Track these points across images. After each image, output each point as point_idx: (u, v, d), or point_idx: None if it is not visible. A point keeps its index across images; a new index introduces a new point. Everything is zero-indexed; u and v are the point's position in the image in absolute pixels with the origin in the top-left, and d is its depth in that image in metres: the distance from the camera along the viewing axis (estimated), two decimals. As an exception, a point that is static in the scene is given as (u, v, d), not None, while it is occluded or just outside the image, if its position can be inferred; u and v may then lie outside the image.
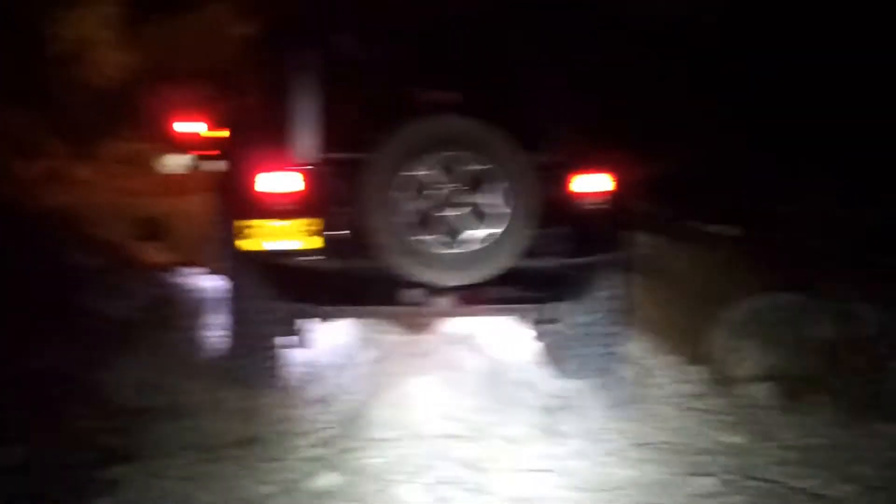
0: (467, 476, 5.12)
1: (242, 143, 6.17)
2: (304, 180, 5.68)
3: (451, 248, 5.47)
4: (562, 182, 5.91)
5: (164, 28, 24.49)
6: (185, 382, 5.97)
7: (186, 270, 9.10)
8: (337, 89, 5.81)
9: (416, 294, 5.78)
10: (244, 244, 5.70)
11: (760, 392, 6.25)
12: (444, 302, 5.84)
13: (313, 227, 5.68)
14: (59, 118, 19.89)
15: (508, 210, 5.47)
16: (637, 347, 7.24)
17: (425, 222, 5.43)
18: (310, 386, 6.37)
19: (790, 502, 4.92)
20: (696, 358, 6.90)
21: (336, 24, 6.08)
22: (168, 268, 9.26)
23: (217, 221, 6.66)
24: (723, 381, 6.54)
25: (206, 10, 24.02)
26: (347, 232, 5.67)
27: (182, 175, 18.32)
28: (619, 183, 6.03)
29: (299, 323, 6.37)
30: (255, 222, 5.65)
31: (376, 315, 6.81)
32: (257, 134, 6.01)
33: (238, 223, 5.71)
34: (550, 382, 6.25)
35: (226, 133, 8.41)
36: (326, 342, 6.88)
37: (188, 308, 7.44)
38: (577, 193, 5.95)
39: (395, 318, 7.02)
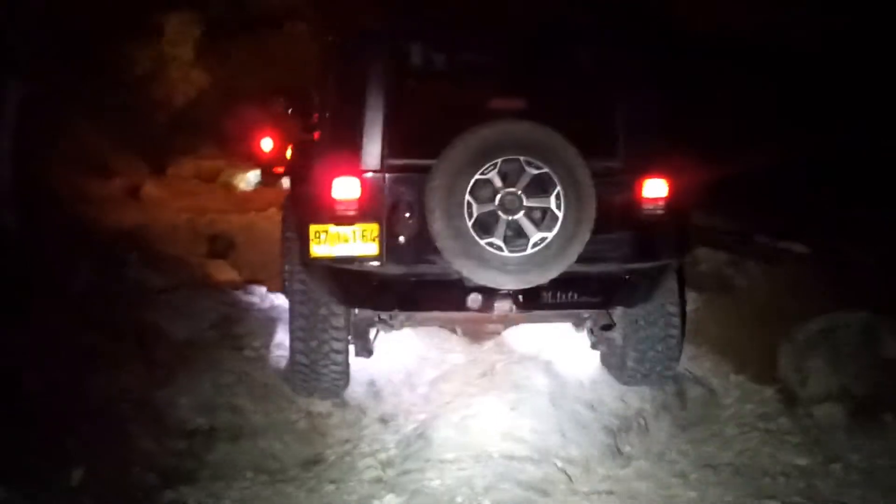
0: (529, 498, 5.11)
1: (318, 152, 6.32)
2: (373, 187, 5.79)
3: (509, 250, 5.59)
4: (620, 188, 5.97)
5: (242, 47, 24.87)
6: (246, 403, 6.01)
7: (254, 289, 9.15)
8: (405, 98, 5.94)
9: (477, 298, 5.86)
10: (317, 249, 5.80)
11: (827, 412, 6.14)
12: (504, 306, 5.88)
13: (384, 232, 5.78)
14: (136, 137, 20.26)
15: (561, 214, 5.58)
16: (702, 366, 7.17)
17: (485, 225, 5.57)
18: (371, 406, 6.39)
19: (855, 526, 4.85)
20: (761, 377, 6.80)
21: (405, 35, 6.15)
22: (236, 286, 9.32)
23: (290, 229, 6.96)
24: (788, 402, 6.44)
25: (283, 28, 24.35)
26: (417, 237, 5.77)
27: (253, 192, 18.57)
28: (676, 189, 6.08)
29: (365, 331, 6.52)
30: (329, 227, 5.77)
31: (441, 320, 6.89)
32: (332, 143, 6.10)
33: (313, 228, 5.81)
34: (613, 402, 6.20)
35: (297, 149, 8.56)
36: (388, 361, 6.88)
37: (254, 327, 7.47)
38: (635, 199, 6.00)
39: (458, 323, 7.09)
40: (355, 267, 5.83)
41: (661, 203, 6.00)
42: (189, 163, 21.85)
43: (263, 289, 8.84)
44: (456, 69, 6.20)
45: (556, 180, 5.56)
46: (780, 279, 8.12)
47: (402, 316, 6.32)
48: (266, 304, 8.22)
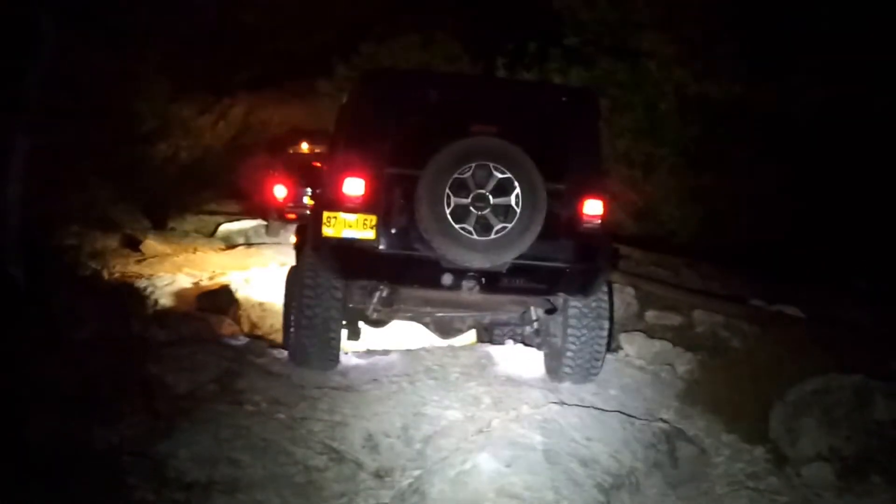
0: (522, 554, 5.14)
1: (333, 160, 8.12)
2: (374, 186, 7.42)
3: (477, 235, 7.10)
4: (568, 204, 7.59)
5: (244, 104, 25.11)
6: (245, 456, 6.04)
7: (255, 343, 9.24)
8: (400, 123, 7.59)
9: (449, 277, 7.47)
10: (327, 231, 7.45)
11: (816, 473, 6.20)
12: (470, 284, 7.49)
13: (377, 221, 7.42)
14: (138, 191, 20.40)
15: (518, 210, 7.12)
16: (694, 425, 7.23)
17: (460, 214, 7.09)
18: (367, 460, 6.44)
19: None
20: (753, 437, 6.87)
21: (402, 78, 8.03)
22: (237, 340, 9.40)
23: (311, 217, 8.66)
24: (778, 461, 6.51)
25: (283, 86, 24.61)
26: (405, 227, 7.44)
27: (254, 248, 18.66)
28: (610, 210, 7.87)
29: (356, 319, 8.48)
30: (338, 214, 7.43)
31: (419, 302, 8.26)
32: (345, 153, 7.72)
33: (326, 214, 7.48)
34: (606, 460, 6.25)
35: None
36: (385, 416, 6.95)
37: (255, 382, 7.53)
38: (577, 214, 7.61)
39: (433, 306, 8.45)
40: (356, 245, 7.42)
41: (597, 219, 7.64)
42: (190, 217, 22.00)
43: (265, 344, 8.94)
44: (441, 106, 7.75)
45: (516, 183, 7.11)
46: (775, 341, 8.20)
47: (384, 311, 8.19)
48: (267, 360, 8.29)
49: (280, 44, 22.39)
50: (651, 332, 9.89)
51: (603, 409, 7.07)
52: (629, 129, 17.59)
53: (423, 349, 8.91)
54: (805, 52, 13.87)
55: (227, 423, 6.49)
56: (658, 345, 9.14)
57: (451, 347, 9.08)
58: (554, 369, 8.18)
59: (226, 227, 20.78)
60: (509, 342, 9.60)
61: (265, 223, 20.53)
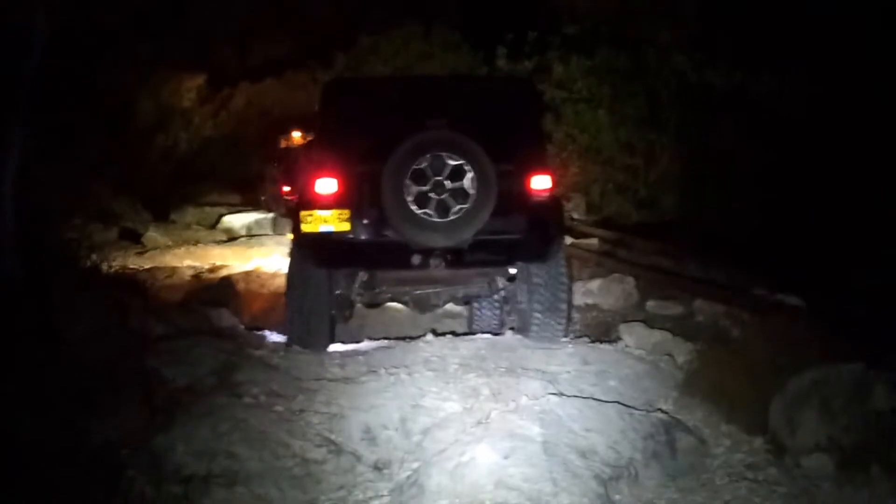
0: (520, 545, 5.13)
1: (307, 162, 9.07)
2: (344, 183, 8.34)
3: (437, 217, 8.01)
4: (517, 182, 8.49)
5: (245, 94, 25.12)
6: (243, 449, 6.03)
7: (253, 334, 9.24)
8: (367, 124, 8.63)
9: (418, 257, 8.37)
10: (305, 227, 8.35)
11: (815, 463, 6.16)
12: (437, 262, 8.40)
13: (350, 215, 8.31)
14: (139, 184, 20.39)
15: (473, 192, 7.98)
16: (693, 416, 7.19)
17: (421, 200, 7.98)
18: (365, 453, 6.43)
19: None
20: (752, 428, 6.82)
21: (363, 82, 9.41)
22: (237, 333, 9.40)
23: (292, 214, 9.30)
24: (778, 452, 6.46)
25: (283, 76, 24.61)
26: (376, 217, 8.29)
27: (255, 239, 18.65)
28: (556, 184, 8.92)
29: (343, 304, 9.20)
30: (314, 211, 8.33)
31: (395, 282, 9.20)
32: (317, 155, 8.71)
33: (303, 213, 8.37)
34: (604, 451, 6.23)
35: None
36: (383, 409, 6.94)
37: (253, 374, 7.52)
38: (526, 190, 8.56)
39: (409, 284, 9.26)
40: (334, 237, 8.31)
41: (545, 192, 8.65)
42: (192, 208, 21.99)
43: (263, 336, 8.96)
44: (397, 105, 8.83)
45: (468, 169, 7.96)
46: (776, 331, 8.15)
47: (367, 294, 9.18)
48: (266, 352, 8.29)
49: (281, 34, 22.40)
50: (651, 322, 9.87)
51: (601, 400, 7.03)
52: (630, 118, 17.62)
53: (422, 340, 8.89)
54: (804, 39, 13.88)
55: (226, 416, 6.49)
56: (658, 335, 9.11)
57: (451, 338, 9.05)
58: (524, 329, 9.18)
59: (228, 219, 20.76)
60: (508, 332, 9.61)
61: (270, 215, 20.54)
